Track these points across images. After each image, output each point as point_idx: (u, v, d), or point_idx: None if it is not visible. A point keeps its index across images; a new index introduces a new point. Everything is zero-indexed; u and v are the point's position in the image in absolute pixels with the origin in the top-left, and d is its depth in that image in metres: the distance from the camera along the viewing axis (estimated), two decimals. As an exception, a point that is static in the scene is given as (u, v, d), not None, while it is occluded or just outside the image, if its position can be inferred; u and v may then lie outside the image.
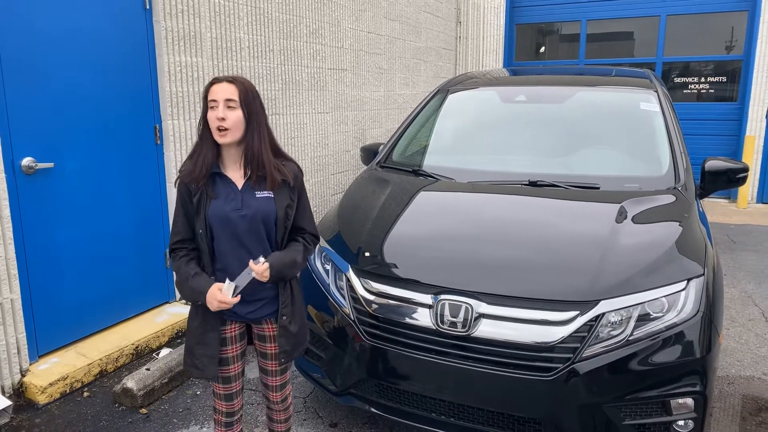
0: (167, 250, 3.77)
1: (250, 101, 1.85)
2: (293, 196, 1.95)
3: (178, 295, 3.95)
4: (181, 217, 1.91)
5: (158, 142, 3.71)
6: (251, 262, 1.82)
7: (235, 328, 2.01)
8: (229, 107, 1.81)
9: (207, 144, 1.87)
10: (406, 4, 7.09)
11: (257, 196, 1.88)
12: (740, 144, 7.76)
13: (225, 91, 1.81)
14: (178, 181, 1.91)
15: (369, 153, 3.99)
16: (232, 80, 1.84)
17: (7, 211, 2.82)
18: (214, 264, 1.92)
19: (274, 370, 2.11)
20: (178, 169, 1.95)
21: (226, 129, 1.81)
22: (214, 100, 1.82)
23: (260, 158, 1.87)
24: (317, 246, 2.27)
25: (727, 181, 3.14)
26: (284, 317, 1.98)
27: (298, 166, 2.01)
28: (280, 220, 1.91)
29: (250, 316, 1.98)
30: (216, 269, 1.92)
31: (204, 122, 1.87)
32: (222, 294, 1.81)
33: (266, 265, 1.83)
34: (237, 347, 2.03)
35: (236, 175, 1.91)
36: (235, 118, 1.82)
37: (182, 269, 1.90)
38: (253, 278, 1.83)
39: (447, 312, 2.28)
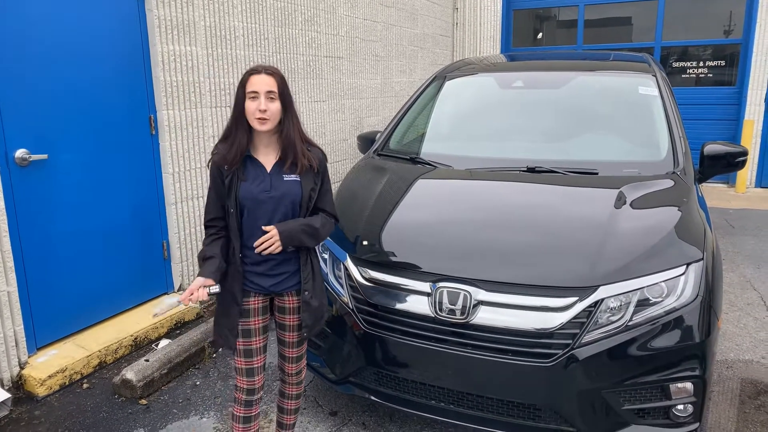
0: (164, 241, 3.82)
1: (286, 92, 1.98)
2: (317, 180, 2.07)
3: (176, 285, 3.94)
4: (213, 197, 2.04)
5: (153, 132, 3.68)
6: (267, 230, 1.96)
7: (258, 300, 2.09)
8: (269, 99, 1.93)
9: (241, 130, 1.98)
10: (402, -9, 7.02)
11: (284, 179, 2.00)
12: (739, 128, 7.73)
13: (265, 84, 1.92)
14: (210, 163, 2.02)
15: (366, 141, 3.96)
16: (271, 72, 1.95)
17: (1, 204, 2.79)
18: (242, 240, 2.03)
19: (292, 342, 2.20)
20: (211, 151, 2.07)
21: (266, 119, 1.92)
22: (255, 92, 1.92)
23: (294, 145, 1.99)
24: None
25: (726, 166, 3.12)
26: (306, 292, 2.09)
27: (323, 152, 2.12)
28: (304, 202, 2.03)
29: (272, 288, 2.07)
30: (243, 245, 2.03)
31: (239, 110, 1.96)
32: (196, 289, 1.94)
33: (273, 231, 1.95)
34: (259, 320, 2.10)
35: (265, 158, 2.03)
36: (274, 108, 1.94)
37: (203, 249, 2.04)
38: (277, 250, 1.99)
39: (445, 299, 2.28)
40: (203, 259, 2.01)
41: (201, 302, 3.97)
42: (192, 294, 1.92)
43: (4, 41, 2.83)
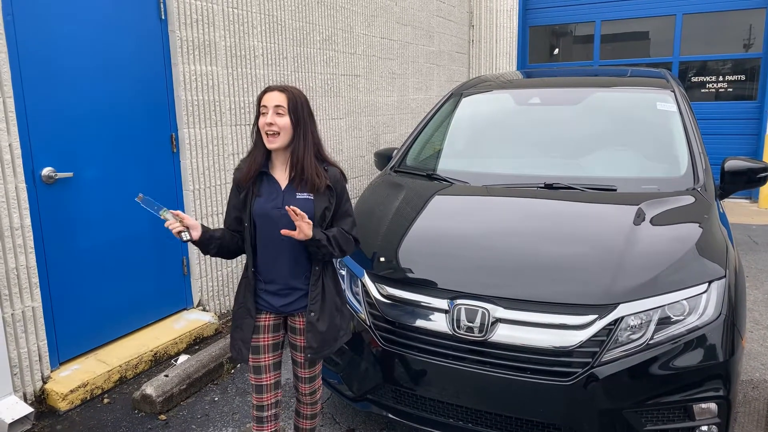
0: (183, 257, 3.87)
1: (298, 109, 1.99)
2: (332, 199, 2.05)
3: (195, 301, 3.98)
4: (230, 210, 2.11)
5: (174, 150, 3.76)
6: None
7: (269, 318, 2.10)
8: (277, 113, 1.96)
9: (258, 147, 2.03)
10: (419, 9, 7.10)
11: (297, 196, 2.01)
12: (761, 143, 7.62)
13: (275, 99, 1.97)
14: (233, 177, 2.09)
15: (383, 158, 3.99)
16: (282, 89, 1.99)
17: (27, 221, 2.86)
18: (255, 256, 2.05)
19: (303, 362, 2.19)
20: (236, 166, 2.13)
21: (275, 134, 1.96)
22: (265, 106, 1.98)
23: (302, 163, 1.99)
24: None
25: (747, 181, 3.08)
26: (312, 313, 2.05)
27: (342, 171, 2.11)
28: (317, 221, 2.00)
29: (282, 308, 2.08)
30: (257, 262, 2.06)
31: (257, 127, 2.03)
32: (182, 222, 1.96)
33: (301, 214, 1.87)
34: (269, 337, 2.10)
35: (281, 176, 2.06)
36: (282, 123, 1.96)
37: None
38: (290, 269, 2.02)
39: (463, 317, 2.27)
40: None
41: (220, 318, 4.01)
42: (180, 218, 1.95)
43: (33, 62, 2.92)
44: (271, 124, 1.94)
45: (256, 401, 2.14)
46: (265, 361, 2.10)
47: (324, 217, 2.02)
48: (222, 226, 2.16)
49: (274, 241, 2.01)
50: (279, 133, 1.95)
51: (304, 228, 1.88)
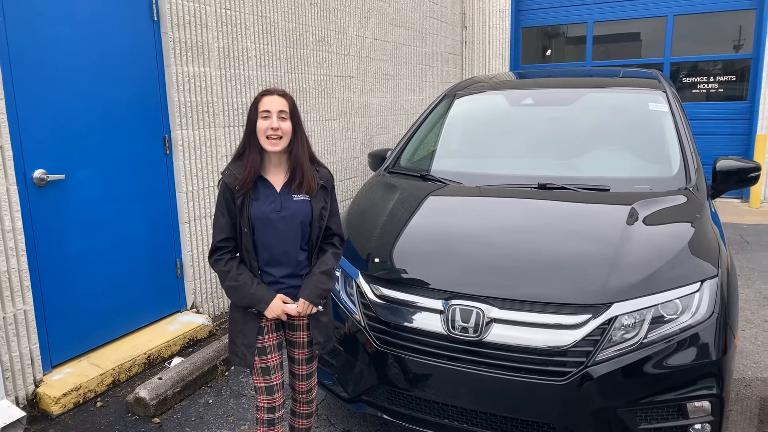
0: (177, 259, 3.85)
1: (296, 113, 2.05)
2: (327, 198, 2.13)
3: (189, 303, 3.96)
4: (225, 217, 2.04)
5: (167, 152, 3.74)
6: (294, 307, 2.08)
7: (270, 318, 2.10)
8: (281, 118, 1.99)
9: (254, 150, 2.02)
10: (412, 10, 7.11)
11: (294, 198, 2.04)
12: (751, 143, 7.69)
13: (278, 104, 1.99)
14: (221, 183, 2.04)
15: (377, 159, 3.99)
16: (283, 94, 2.02)
17: (19, 223, 2.84)
18: (258, 261, 2.06)
19: (302, 359, 2.22)
20: (221, 171, 2.10)
21: (278, 138, 1.98)
22: (268, 111, 1.98)
23: (302, 165, 2.04)
24: None
25: (738, 181, 3.10)
26: (320, 308, 2.12)
27: (330, 172, 2.18)
28: (315, 221, 2.07)
29: None
30: (260, 266, 2.07)
31: (251, 130, 2.01)
32: (286, 306, 2.05)
33: (302, 302, 2.05)
34: (273, 337, 2.13)
35: (275, 178, 2.07)
36: (286, 128, 2.00)
37: (236, 276, 2.03)
38: (290, 268, 2.09)
39: (458, 317, 2.27)
40: (251, 284, 2.01)
41: (214, 320, 3.99)
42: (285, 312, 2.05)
43: (24, 63, 2.90)
44: (276, 128, 1.96)
45: (267, 403, 2.13)
46: (272, 360, 2.12)
47: (322, 216, 2.09)
48: (220, 238, 2.04)
49: (274, 244, 2.03)
50: (282, 137, 1.99)
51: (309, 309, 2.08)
